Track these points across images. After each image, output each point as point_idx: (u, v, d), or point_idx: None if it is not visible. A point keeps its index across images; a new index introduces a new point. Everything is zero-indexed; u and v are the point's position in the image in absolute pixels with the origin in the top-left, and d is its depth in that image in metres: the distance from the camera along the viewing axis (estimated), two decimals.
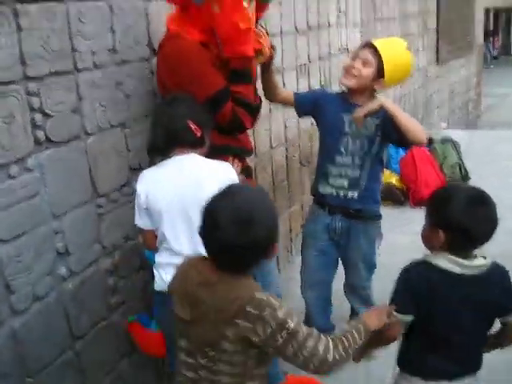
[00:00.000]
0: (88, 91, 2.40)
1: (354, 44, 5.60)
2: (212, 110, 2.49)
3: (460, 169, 6.47)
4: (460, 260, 1.97)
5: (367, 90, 3.02)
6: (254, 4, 2.47)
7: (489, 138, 8.61)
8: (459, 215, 1.95)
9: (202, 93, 2.46)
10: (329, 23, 5.07)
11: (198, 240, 1.73)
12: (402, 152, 6.53)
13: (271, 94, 3.11)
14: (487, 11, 22.32)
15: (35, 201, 2.15)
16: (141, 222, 2.34)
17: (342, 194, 3.10)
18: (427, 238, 2.08)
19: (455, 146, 6.62)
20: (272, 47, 2.80)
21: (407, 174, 6.03)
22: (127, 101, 2.64)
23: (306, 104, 3.19)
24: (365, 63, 2.95)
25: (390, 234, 5.06)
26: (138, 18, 2.69)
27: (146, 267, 2.70)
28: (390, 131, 2.93)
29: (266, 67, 2.95)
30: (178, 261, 1.89)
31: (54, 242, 2.26)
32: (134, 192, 2.40)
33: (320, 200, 3.21)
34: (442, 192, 2.15)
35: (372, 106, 2.85)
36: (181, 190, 2.23)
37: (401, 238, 4.96)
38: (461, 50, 10.24)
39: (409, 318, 2.02)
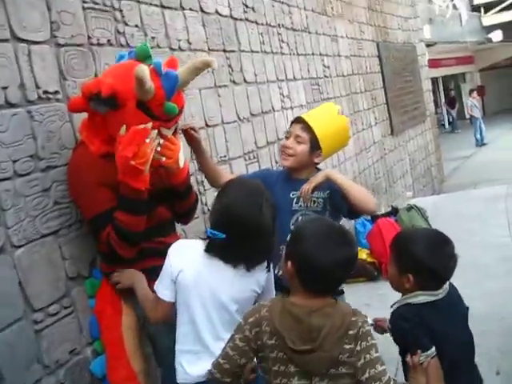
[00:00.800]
0: (11, 201, 2.29)
1: None
2: (94, 233, 2.49)
3: None
4: (435, 292, 2.20)
5: (308, 165, 2.98)
6: (159, 141, 2.42)
7: (454, 201, 8.62)
8: (426, 258, 2.16)
9: (85, 213, 2.49)
10: (273, 108, 5.07)
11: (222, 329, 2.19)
12: (369, 226, 6.46)
13: (212, 179, 3.02)
14: (434, 81, 23.05)
15: None
16: (163, 291, 2.24)
17: None
18: (397, 283, 2.29)
19: (421, 212, 6.57)
20: (193, 129, 2.80)
21: (376, 248, 5.91)
22: (57, 207, 2.52)
23: None
24: (298, 140, 2.93)
25: (367, 310, 4.93)
26: (62, 123, 2.61)
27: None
28: (339, 203, 2.85)
29: (197, 152, 2.93)
30: (200, 348, 2.19)
31: None
32: (73, 304, 2.28)
33: (278, 283, 3.04)
34: (404, 238, 2.33)
35: (317, 179, 2.80)
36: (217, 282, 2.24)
37: (377, 314, 4.81)
38: (414, 120, 10.42)
39: (433, 349, 2.13)
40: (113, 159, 2.34)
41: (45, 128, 2.51)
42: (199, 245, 2.25)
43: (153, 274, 2.33)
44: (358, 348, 1.87)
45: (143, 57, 2.38)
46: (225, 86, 4.23)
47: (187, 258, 2.23)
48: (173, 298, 2.22)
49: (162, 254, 2.29)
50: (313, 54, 6.31)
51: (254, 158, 4.57)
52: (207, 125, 3.92)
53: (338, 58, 7.13)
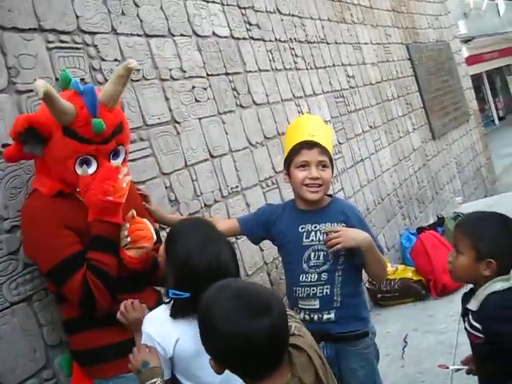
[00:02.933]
0: None
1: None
2: (57, 285, 2.17)
3: None
4: (509, 276, 2.09)
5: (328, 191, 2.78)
6: (128, 180, 2.26)
7: (508, 201, 8.08)
8: (507, 239, 2.10)
9: (46, 262, 2.15)
10: None
11: None
12: (414, 240, 6.07)
13: None
14: (478, 77, 22.35)
15: None
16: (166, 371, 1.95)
17: (315, 317, 2.64)
18: (471, 273, 2.14)
19: None
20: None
21: (422, 265, 5.51)
22: (28, 270, 2.28)
23: (257, 229, 2.84)
24: (322, 166, 2.65)
25: (415, 336, 4.55)
26: (28, 177, 2.37)
27: None
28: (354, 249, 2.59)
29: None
30: None
31: None
32: (55, 375, 2.06)
33: None
34: (476, 221, 2.24)
35: (349, 242, 2.52)
36: None
37: (426, 339, 4.44)
38: (456, 120, 9.91)
39: None
40: (69, 199, 2.18)
41: (7, 185, 2.27)
42: (164, 311, 2.01)
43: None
44: None
45: (66, 84, 2.19)
46: (230, 111, 3.94)
47: (171, 327, 1.98)
48: (169, 375, 1.98)
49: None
50: (334, 65, 5.98)
51: (273, 184, 4.25)
52: (212, 156, 3.62)
53: (363, 67, 6.77)
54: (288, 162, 2.72)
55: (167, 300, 2.02)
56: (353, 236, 2.53)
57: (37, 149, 2.13)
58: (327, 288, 2.61)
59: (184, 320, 1.95)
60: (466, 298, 2.22)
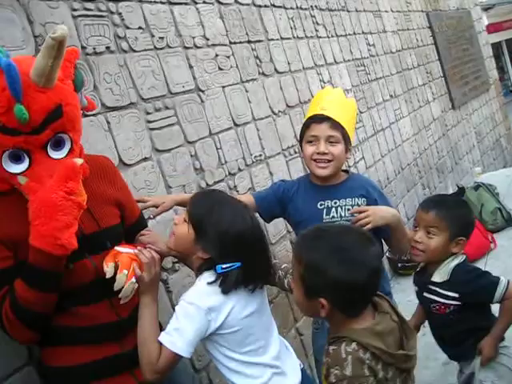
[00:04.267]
0: None
1: None
2: None
3: (501, 213, 5.90)
4: None
5: (341, 167, 2.66)
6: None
7: None
8: (468, 218, 2.62)
9: None
10: (313, 96, 4.71)
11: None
12: None
13: None
14: (498, 46, 22.01)
15: None
16: (189, 348, 1.84)
17: None
18: (443, 251, 2.51)
19: (489, 189, 6.08)
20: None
21: None
22: None
23: (272, 206, 2.73)
24: (331, 141, 2.54)
25: None
26: None
27: None
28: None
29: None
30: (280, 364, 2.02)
31: None
32: None
33: None
34: (447, 205, 2.55)
35: (376, 221, 2.43)
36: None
37: None
38: (477, 90, 9.77)
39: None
40: (7, 199, 1.78)
41: None
42: (209, 286, 1.90)
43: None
44: None
45: None
46: (253, 79, 3.91)
47: (224, 299, 1.90)
48: (191, 354, 1.88)
49: (96, 340, 1.87)
50: (354, 33, 5.91)
51: (296, 152, 4.24)
52: (236, 124, 3.61)
53: (383, 35, 6.69)
54: (301, 136, 2.66)
55: (211, 279, 1.90)
56: (382, 214, 2.47)
57: None
58: None
59: (236, 291, 1.91)
60: (422, 276, 2.62)
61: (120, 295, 1.84)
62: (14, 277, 1.74)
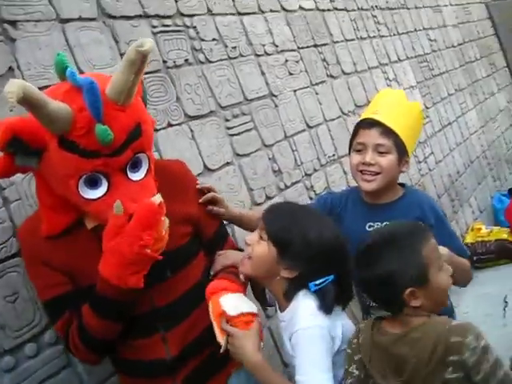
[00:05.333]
0: None
1: None
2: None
3: None
4: None
5: (395, 181, 2.28)
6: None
7: None
8: None
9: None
10: None
11: None
12: (506, 201, 5.99)
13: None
14: None
15: None
16: (329, 374, 1.64)
17: None
18: None
19: None
20: (209, 189, 2.02)
21: None
22: None
23: None
24: (380, 151, 2.17)
25: None
26: None
27: None
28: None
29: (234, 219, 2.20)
30: None
31: None
32: None
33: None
34: None
35: None
36: None
37: None
38: None
39: None
40: (66, 235, 1.70)
41: None
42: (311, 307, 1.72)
43: None
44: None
45: (61, 71, 1.57)
46: (322, 82, 4.01)
47: (330, 318, 1.73)
48: None
49: (150, 375, 1.80)
50: (415, 30, 5.94)
51: None
52: (309, 126, 3.71)
53: (444, 29, 6.68)
54: (350, 143, 2.32)
55: (311, 299, 1.73)
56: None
57: (31, 161, 1.57)
58: None
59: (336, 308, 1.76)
60: None
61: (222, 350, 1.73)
62: (74, 302, 1.70)
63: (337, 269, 1.73)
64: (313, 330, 1.65)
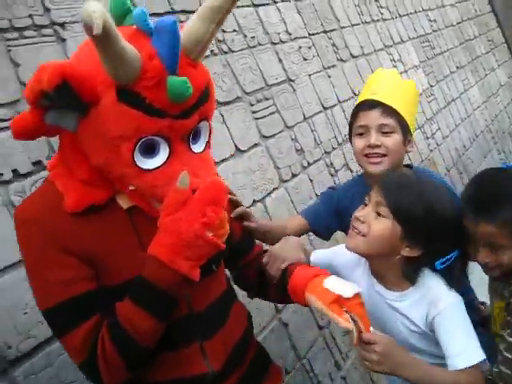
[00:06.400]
0: None
1: (421, 86, 5.50)
2: (54, 334, 1.45)
3: None
4: None
5: (401, 161, 2.16)
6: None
7: None
8: None
9: (37, 302, 1.39)
10: None
11: None
12: None
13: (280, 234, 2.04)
14: None
15: None
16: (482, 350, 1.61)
17: None
18: None
19: None
20: (237, 202, 1.86)
21: None
22: None
23: (329, 221, 2.24)
24: (384, 131, 2.04)
25: None
26: None
27: None
28: None
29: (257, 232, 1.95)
30: None
31: None
32: None
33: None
34: None
35: None
36: None
37: None
38: None
39: None
40: (95, 214, 1.36)
41: None
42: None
43: None
44: None
45: (120, 14, 1.30)
46: (333, 66, 4.24)
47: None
48: None
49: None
50: (415, 11, 6.16)
51: None
52: (324, 107, 3.94)
53: (443, 10, 6.89)
54: (349, 129, 2.18)
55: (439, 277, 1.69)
56: None
57: (69, 119, 1.27)
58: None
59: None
60: None
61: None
62: (101, 303, 1.36)
63: (460, 243, 1.66)
64: (458, 305, 1.62)
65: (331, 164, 3.76)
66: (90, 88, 1.21)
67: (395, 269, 1.67)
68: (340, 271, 1.84)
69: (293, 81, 3.69)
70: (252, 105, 3.27)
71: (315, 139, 3.70)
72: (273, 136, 3.34)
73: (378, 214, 1.62)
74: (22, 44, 2.22)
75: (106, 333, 1.32)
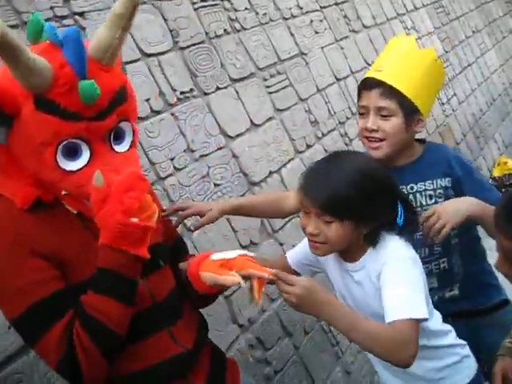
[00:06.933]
0: (178, 192, 2.61)
1: (436, 53, 5.54)
2: (26, 342, 1.52)
3: None
4: None
5: (409, 142, 2.04)
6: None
7: None
8: None
9: (8, 308, 1.42)
10: None
11: None
12: None
13: (276, 211, 2.19)
14: None
15: None
16: (425, 309, 1.58)
17: (435, 297, 2.07)
18: None
19: None
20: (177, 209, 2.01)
21: None
22: (217, 189, 2.82)
23: None
24: (382, 114, 1.94)
25: None
26: (203, 116, 2.91)
27: None
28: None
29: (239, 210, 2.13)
30: None
31: None
32: None
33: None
34: None
35: (455, 219, 1.85)
36: None
37: None
38: None
39: None
40: (47, 212, 1.45)
41: (190, 123, 2.82)
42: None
43: None
44: None
45: (36, 34, 1.39)
46: (345, 37, 4.34)
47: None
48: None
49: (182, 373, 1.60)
50: None
51: None
52: (337, 79, 4.05)
53: None
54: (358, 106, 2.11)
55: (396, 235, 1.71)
56: (454, 208, 1.87)
57: None
58: (443, 261, 2.08)
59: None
60: None
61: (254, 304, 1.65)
62: (73, 299, 1.41)
63: (400, 195, 1.73)
64: (407, 259, 1.64)
65: (345, 134, 3.88)
66: (10, 101, 1.31)
67: (362, 246, 1.72)
68: (318, 260, 1.89)
69: (305, 54, 3.81)
70: (265, 80, 3.40)
71: (329, 110, 3.82)
72: (287, 109, 3.47)
73: (326, 222, 1.63)
74: None
75: (79, 325, 1.38)
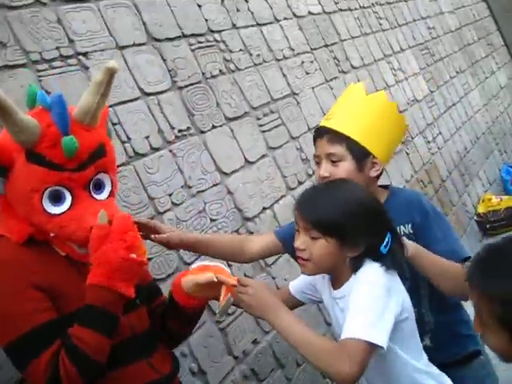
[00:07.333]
0: (174, 226, 2.68)
1: (422, 92, 5.73)
2: (17, 367, 1.60)
3: None
4: None
5: (367, 186, 1.95)
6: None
7: None
8: None
9: (2, 334, 1.56)
10: (387, 84, 5.24)
11: None
12: None
13: (237, 254, 2.22)
14: None
15: None
16: (384, 337, 1.55)
17: None
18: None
19: None
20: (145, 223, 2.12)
21: None
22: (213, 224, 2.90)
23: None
24: (332, 160, 1.95)
25: None
26: (200, 153, 3.01)
27: None
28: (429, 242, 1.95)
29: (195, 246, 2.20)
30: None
31: None
32: None
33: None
34: None
35: None
36: None
37: None
38: None
39: None
40: (42, 249, 1.65)
41: (188, 160, 2.92)
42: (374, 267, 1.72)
43: None
44: None
45: (32, 101, 1.68)
46: (335, 78, 4.48)
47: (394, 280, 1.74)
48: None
49: None
50: (414, 20, 6.37)
51: None
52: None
53: (441, 16, 7.11)
54: None
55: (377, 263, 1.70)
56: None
57: None
58: (414, 311, 1.87)
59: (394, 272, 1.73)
60: None
61: (219, 312, 1.81)
62: (62, 329, 1.56)
63: (388, 225, 1.75)
64: (378, 285, 1.63)
65: None
66: (7, 155, 1.57)
67: (346, 270, 1.73)
68: (316, 290, 1.96)
69: (297, 94, 3.94)
70: (259, 119, 3.51)
71: None
72: (279, 147, 3.58)
73: (312, 238, 1.68)
74: (51, 74, 2.48)
75: (64, 353, 1.52)
